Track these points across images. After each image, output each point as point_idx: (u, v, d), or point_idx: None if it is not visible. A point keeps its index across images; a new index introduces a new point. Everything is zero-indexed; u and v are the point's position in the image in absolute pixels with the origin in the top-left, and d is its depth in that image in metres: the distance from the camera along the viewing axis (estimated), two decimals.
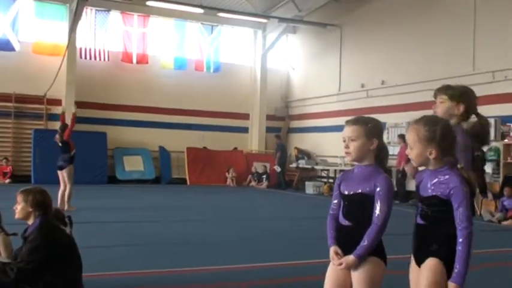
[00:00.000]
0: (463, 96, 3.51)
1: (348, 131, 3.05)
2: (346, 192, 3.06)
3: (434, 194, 2.82)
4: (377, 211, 2.90)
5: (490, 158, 13.34)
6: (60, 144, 11.03)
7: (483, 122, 3.52)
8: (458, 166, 2.88)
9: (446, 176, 2.79)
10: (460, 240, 2.69)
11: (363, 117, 3.15)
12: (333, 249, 3.02)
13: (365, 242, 2.88)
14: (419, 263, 2.90)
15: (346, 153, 3.06)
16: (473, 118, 3.55)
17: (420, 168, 3.03)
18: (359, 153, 3.02)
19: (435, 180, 2.83)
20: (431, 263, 2.80)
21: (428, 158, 2.84)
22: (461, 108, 3.47)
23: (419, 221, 2.93)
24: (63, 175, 10.80)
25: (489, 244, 8.04)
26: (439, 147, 2.81)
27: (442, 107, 3.54)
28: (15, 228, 4.44)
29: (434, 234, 2.82)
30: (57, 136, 11.09)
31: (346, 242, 2.98)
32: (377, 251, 2.95)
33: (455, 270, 2.68)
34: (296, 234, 8.90)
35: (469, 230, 2.70)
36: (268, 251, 7.19)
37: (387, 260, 3.02)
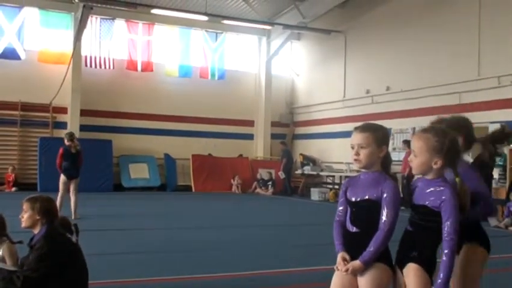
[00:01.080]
0: (460, 128, 3.44)
1: (358, 138, 3.03)
2: (353, 199, 3.05)
3: (425, 203, 2.90)
4: (384, 217, 2.91)
5: (496, 163, 13.29)
6: (73, 152, 10.89)
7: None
8: (457, 180, 2.95)
9: (441, 188, 2.87)
10: (446, 251, 2.78)
11: (372, 124, 3.15)
12: (340, 255, 3.00)
13: (371, 248, 2.89)
14: (400, 265, 2.98)
15: (356, 160, 3.04)
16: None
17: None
18: (369, 161, 3.01)
19: (429, 190, 2.91)
20: (414, 269, 2.88)
21: (431, 168, 2.91)
22: (461, 140, 3.29)
23: (408, 226, 3.03)
24: (71, 184, 10.76)
25: (496, 250, 7.96)
26: (444, 158, 2.88)
27: None
28: (20, 236, 4.45)
29: (417, 241, 2.92)
30: (72, 143, 10.92)
31: (354, 248, 2.97)
32: (384, 257, 2.95)
33: (440, 280, 2.76)
34: (302, 240, 8.87)
35: (454, 242, 2.79)
36: (274, 257, 7.17)
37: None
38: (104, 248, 7.23)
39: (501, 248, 8.49)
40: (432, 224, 2.85)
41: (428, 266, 2.86)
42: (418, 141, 2.93)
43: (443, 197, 2.82)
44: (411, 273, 2.87)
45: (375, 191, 2.96)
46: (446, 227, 2.78)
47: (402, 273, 2.95)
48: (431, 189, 2.89)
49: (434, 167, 2.89)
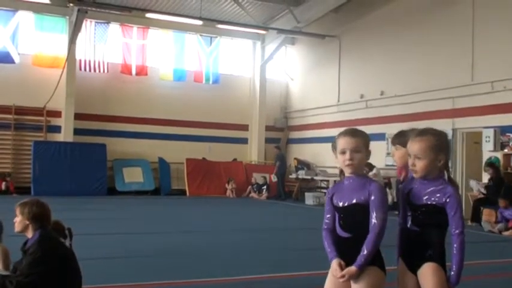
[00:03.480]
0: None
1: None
2: (340, 204, 3.05)
3: (429, 202, 3.00)
4: (373, 219, 2.92)
5: None
6: None
7: None
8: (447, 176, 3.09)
9: (441, 186, 3.00)
10: (457, 244, 2.92)
11: (360, 130, 3.18)
12: (336, 261, 2.98)
13: (364, 252, 2.89)
14: (412, 267, 3.04)
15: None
16: None
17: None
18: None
19: (430, 190, 3.02)
20: (432, 268, 2.97)
21: (436, 167, 3.03)
22: None
23: (412, 227, 3.09)
24: None
25: (490, 255, 8.01)
26: (446, 155, 3.05)
27: (397, 154, 3.73)
28: (16, 240, 4.42)
29: (428, 240, 3.01)
30: None
31: (347, 253, 2.96)
32: (377, 260, 2.95)
33: (453, 272, 2.94)
34: (295, 245, 8.87)
35: (463, 234, 2.95)
36: (267, 262, 7.16)
37: (386, 271, 3.01)
38: (97, 253, 7.20)
39: (495, 253, 8.51)
40: (437, 220, 2.99)
41: (443, 261, 2.99)
42: (421, 144, 3.04)
43: (448, 193, 2.95)
44: (430, 272, 2.96)
45: (362, 194, 2.97)
46: (454, 221, 2.93)
47: (415, 274, 3.02)
48: (432, 188, 3.01)
49: (439, 164, 3.03)
